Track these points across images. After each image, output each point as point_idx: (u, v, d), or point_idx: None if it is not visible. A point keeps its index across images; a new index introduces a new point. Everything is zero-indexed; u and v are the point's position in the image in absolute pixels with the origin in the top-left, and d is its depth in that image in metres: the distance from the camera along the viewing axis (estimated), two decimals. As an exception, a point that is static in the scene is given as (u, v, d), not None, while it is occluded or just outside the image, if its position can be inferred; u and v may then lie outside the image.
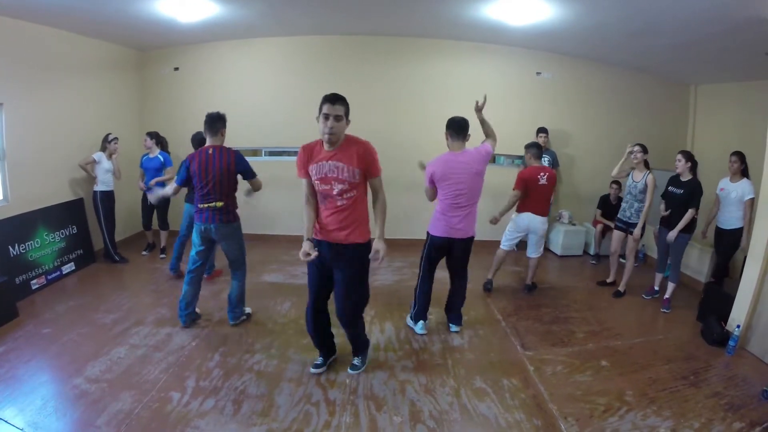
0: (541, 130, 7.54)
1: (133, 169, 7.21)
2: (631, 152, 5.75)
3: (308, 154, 3.49)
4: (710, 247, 6.21)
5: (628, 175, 5.87)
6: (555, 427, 3.41)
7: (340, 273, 3.63)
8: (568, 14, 5.70)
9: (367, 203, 3.62)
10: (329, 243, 3.55)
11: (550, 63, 7.86)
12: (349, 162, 3.39)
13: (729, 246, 5.66)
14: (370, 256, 3.52)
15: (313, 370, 4.03)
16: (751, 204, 5.40)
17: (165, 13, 5.97)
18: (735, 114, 7.30)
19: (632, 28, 5.77)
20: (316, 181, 3.47)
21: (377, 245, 3.48)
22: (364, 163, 3.43)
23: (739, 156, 5.53)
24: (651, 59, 7.17)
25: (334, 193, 3.44)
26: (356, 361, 4.12)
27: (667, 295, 5.69)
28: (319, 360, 4.09)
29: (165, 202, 7.10)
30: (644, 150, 5.72)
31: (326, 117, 3.31)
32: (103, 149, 6.58)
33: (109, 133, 6.64)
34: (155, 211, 7.13)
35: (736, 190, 5.50)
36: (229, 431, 3.28)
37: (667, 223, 5.62)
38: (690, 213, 5.42)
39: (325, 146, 3.42)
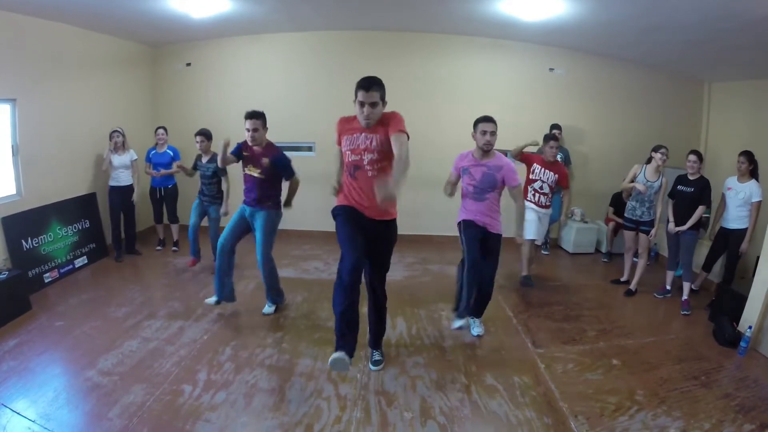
0: (555, 127, 7.49)
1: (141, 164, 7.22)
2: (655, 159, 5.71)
3: (344, 124, 3.60)
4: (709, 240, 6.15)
5: (640, 173, 5.81)
6: (565, 426, 3.40)
7: (378, 240, 3.68)
8: (582, 10, 5.66)
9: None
10: (364, 214, 3.59)
11: (563, 59, 7.81)
12: (377, 131, 3.44)
13: (737, 247, 5.60)
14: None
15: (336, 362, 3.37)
16: (758, 207, 5.39)
17: (178, 9, 5.98)
18: (749, 112, 7.22)
19: (645, 24, 5.72)
20: (347, 152, 3.55)
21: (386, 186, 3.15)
22: (387, 125, 3.41)
23: (748, 156, 5.47)
24: (664, 56, 7.11)
25: (365, 163, 3.49)
26: (377, 355, 4.14)
27: (684, 297, 5.63)
28: (341, 354, 3.30)
29: (174, 195, 7.15)
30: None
31: (362, 105, 3.32)
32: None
33: (111, 129, 6.61)
34: (164, 204, 7.18)
35: (744, 190, 5.45)
36: (240, 425, 3.29)
37: (677, 220, 5.65)
38: (701, 209, 5.44)
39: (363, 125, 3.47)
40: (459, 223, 4.65)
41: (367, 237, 3.57)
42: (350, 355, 3.37)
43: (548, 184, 5.92)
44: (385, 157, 3.49)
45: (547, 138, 6.00)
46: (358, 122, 3.50)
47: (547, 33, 6.86)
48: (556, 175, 5.91)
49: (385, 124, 3.43)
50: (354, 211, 3.60)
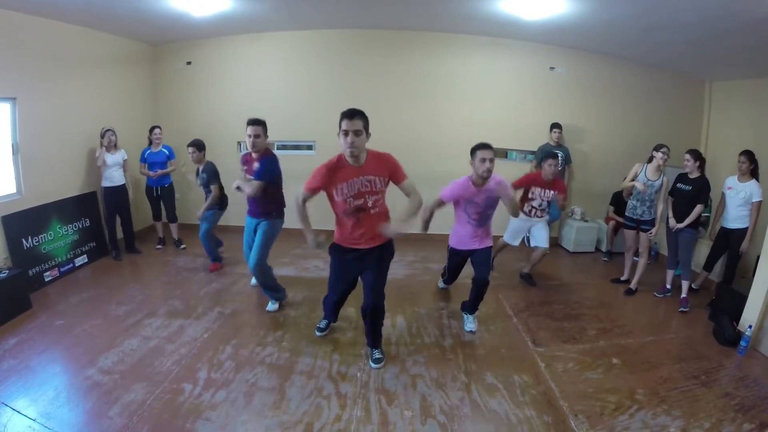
0: (555, 126, 7.50)
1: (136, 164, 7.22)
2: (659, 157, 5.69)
3: (331, 173, 3.57)
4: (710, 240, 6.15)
5: (641, 172, 5.80)
6: (565, 425, 3.41)
7: (376, 265, 3.86)
8: (583, 9, 5.65)
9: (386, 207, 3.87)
10: (362, 250, 3.83)
11: (563, 58, 7.80)
12: (378, 173, 3.62)
13: (738, 246, 5.60)
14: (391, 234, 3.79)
15: (319, 334, 4.60)
16: (758, 207, 5.39)
17: (178, 8, 5.97)
18: (750, 111, 7.20)
19: (647, 23, 5.71)
20: (348, 198, 3.60)
21: (396, 224, 3.69)
22: (391, 171, 3.67)
23: (748, 156, 5.47)
24: (665, 55, 7.09)
25: (369, 205, 3.66)
26: (377, 353, 4.16)
27: (683, 294, 5.63)
28: (324, 323, 4.66)
29: (171, 195, 7.17)
30: (669, 152, 5.69)
31: (346, 133, 3.41)
32: (101, 145, 6.54)
33: (102, 127, 6.53)
34: (162, 202, 7.20)
35: (744, 190, 5.45)
36: (241, 423, 3.30)
37: (676, 218, 5.65)
38: (698, 208, 5.44)
39: (350, 161, 3.55)
40: (449, 247, 4.96)
41: (366, 267, 3.90)
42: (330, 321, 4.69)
43: (548, 200, 5.84)
44: (382, 195, 3.74)
45: (547, 156, 5.81)
46: (345, 165, 3.57)
47: (548, 32, 6.85)
48: (556, 191, 5.82)
49: (385, 166, 3.65)
50: (349, 258, 3.90)
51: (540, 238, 5.96)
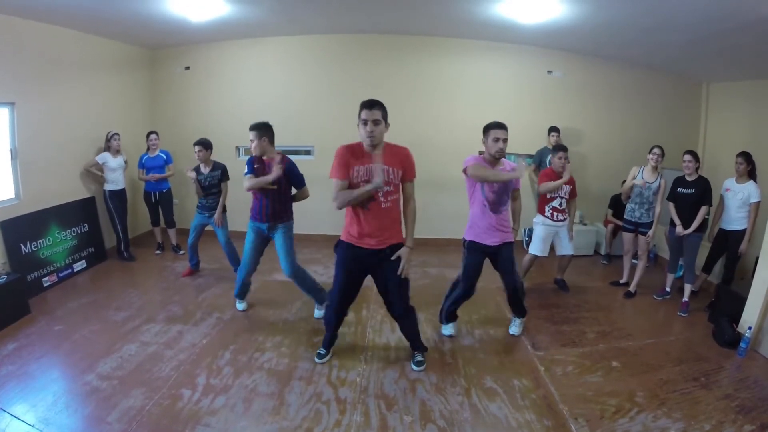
0: (553, 129, 7.50)
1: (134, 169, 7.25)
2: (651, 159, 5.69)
3: (351, 154, 3.59)
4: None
5: (638, 175, 5.80)
6: (565, 428, 3.39)
7: (390, 274, 3.78)
8: (580, 12, 5.66)
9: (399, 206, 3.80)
10: (370, 250, 3.69)
11: (561, 61, 7.82)
12: (393, 164, 3.58)
13: (736, 247, 5.57)
14: (393, 257, 3.72)
15: (319, 360, 4.21)
16: (757, 207, 5.38)
17: (176, 13, 5.98)
18: (747, 113, 7.23)
19: (644, 24, 5.72)
20: (361, 183, 3.54)
21: (403, 251, 3.74)
22: (404, 166, 3.64)
23: (746, 157, 5.46)
24: (663, 57, 7.11)
25: (380, 194, 3.57)
26: (419, 356, 4.19)
27: (685, 298, 5.59)
28: (323, 350, 4.27)
29: (169, 200, 7.17)
30: (663, 152, 5.68)
31: (365, 122, 3.45)
32: (107, 149, 6.61)
33: (109, 131, 6.61)
34: (159, 208, 7.21)
35: (742, 191, 5.43)
36: (240, 429, 3.29)
37: (681, 223, 5.57)
38: (704, 209, 5.42)
39: (367, 149, 3.56)
40: (466, 242, 4.53)
41: (375, 271, 3.85)
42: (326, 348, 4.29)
43: (565, 198, 5.72)
44: (396, 189, 3.67)
45: (557, 149, 5.79)
46: (363, 152, 3.58)
47: (546, 35, 6.86)
48: (570, 186, 5.73)
49: (400, 159, 3.63)
50: (355, 258, 3.75)
51: (566, 246, 5.86)
